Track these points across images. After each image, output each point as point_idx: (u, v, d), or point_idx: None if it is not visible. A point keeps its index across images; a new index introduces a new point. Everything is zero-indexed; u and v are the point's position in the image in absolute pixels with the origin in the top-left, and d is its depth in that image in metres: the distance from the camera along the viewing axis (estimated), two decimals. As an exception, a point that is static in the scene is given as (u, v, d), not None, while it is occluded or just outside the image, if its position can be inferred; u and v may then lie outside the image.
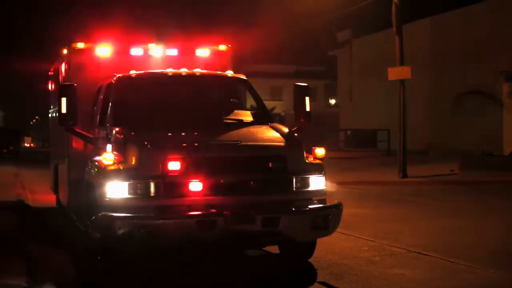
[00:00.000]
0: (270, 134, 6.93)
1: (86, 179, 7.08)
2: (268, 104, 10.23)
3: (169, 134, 6.64)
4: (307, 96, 7.44)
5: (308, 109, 7.42)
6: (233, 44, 9.37)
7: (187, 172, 6.07)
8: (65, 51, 9.40)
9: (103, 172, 6.25)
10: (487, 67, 25.51)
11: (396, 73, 17.87)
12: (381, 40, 30.18)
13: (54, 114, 11.05)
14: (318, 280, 6.49)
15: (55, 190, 11.35)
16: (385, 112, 27.51)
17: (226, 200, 6.17)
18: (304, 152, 6.74)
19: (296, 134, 7.09)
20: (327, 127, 35.00)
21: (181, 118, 7.15)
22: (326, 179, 6.86)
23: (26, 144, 72.11)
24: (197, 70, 8.21)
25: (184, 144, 6.37)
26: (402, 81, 17.87)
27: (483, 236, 8.91)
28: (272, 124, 7.31)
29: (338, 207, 6.66)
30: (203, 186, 6.11)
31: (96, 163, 6.61)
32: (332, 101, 51.23)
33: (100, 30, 9.83)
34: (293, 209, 6.40)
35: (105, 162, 6.23)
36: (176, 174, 6.04)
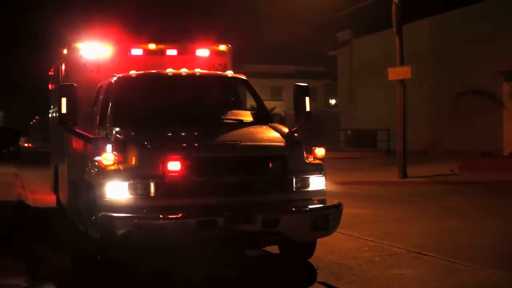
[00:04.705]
0: (270, 134, 6.93)
1: (86, 179, 7.09)
2: (268, 104, 10.22)
3: (169, 134, 6.65)
4: (307, 96, 7.44)
5: (308, 109, 7.41)
6: (233, 44, 9.37)
7: (187, 172, 6.08)
8: (65, 51, 9.41)
9: (103, 172, 6.25)
10: (487, 67, 25.49)
11: (396, 73, 17.87)
12: (381, 40, 30.14)
13: (54, 114, 11.05)
14: (318, 280, 6.49)
15: (55, 190, 11.35)
16: (385, 112, 27.51)
17: (226, 200, 6.17)
18: (304, 152, 6.74)
19: (296, 134, 7.08)
20: (327, 127, 34.98)
21: (181, 118, 7.15)
22: (326, 179, 6.86)
23: (25, 144, 72.07)
24: (197, 70, 8.21)
25: (184, 144, 6.37)
26: (402, 81, 17.87)
27: (483, 236, 8.91)
28: (272, 124, 7.31)
29: (338, 207, 6.66)
30: (203, 186, 6.11)
31: (96, 163, 6.61)
32: (332, 101, 51.22)
33: (100, 30, 9.84)
34: (293, 209, 6.41)
35: (105, 162, 6.23)
36: (176, 174, 6.04)
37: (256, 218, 6.07)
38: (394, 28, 18.09)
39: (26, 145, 73.91)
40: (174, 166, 6.04)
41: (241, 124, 7.35)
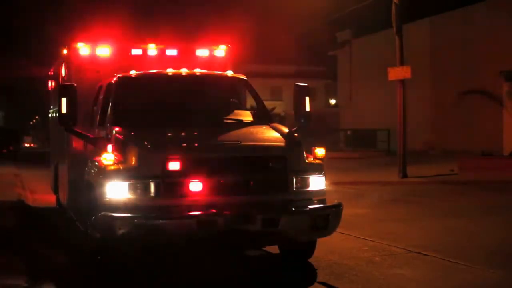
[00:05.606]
0: (270, 134, 6.93)
1: (86, 179, 7.09)
2: (268, 104, 10.22)
3: (169, 134, 6.65)
4: (307, 96, 7.44)
5: (308, 109, 7.42)
6: (233, 44, 9.36)
7: (187, 172, 6.08)
8: (65, 51, 9.41)
9: (103, 172, 6.25)
10: (487, 67, 25.50)
11: (396, 73, 17.87)
12: (381, 40, 30.13)
13: (54, 114, 11.05)
14: (318, 280, 6.50)
15: (55, 190, 11.35)
16: (385, 112, 27.50)
17: (226, 200, 6.17)
18: (304, 152, 6.74)
19: (296, 134, 7.08)
20: (327, 127, 34.98)
21: (181, 118, 7.15)
22: (326, 179, 6.86)
23: (26, 144, 72.11)
24: (197, 70, 8.21)
25: (184, 144, 6.38)
26: (402, 81, 17.88)
27: (483, 236, 8.91)
28: (272, 124, 7.31)
29: (338, 207, 6.66)
30: (203, 186, 6.11)
31: (96, 163, 6.61)
32: (332, 101, 51.21)
33: (100, 30, 9.84)
34: (293, 209, 6.40)
35: (105, 162, 6.23)
36: (176, 174, 6.05)
37: (256, 218, 6.07)
38: (394, 28, 18.09)
39: (30, 145, 73.85)
40: (174, 166, 6.05)
41: (241, 124, 7.35)
